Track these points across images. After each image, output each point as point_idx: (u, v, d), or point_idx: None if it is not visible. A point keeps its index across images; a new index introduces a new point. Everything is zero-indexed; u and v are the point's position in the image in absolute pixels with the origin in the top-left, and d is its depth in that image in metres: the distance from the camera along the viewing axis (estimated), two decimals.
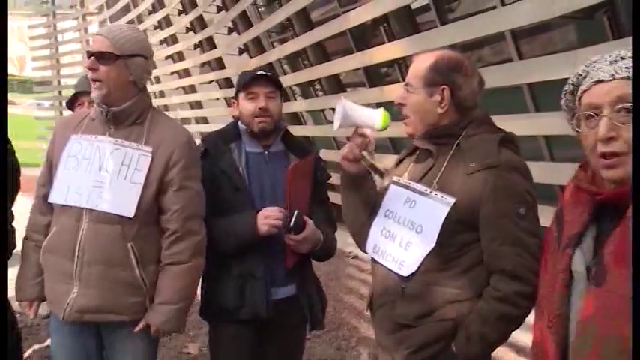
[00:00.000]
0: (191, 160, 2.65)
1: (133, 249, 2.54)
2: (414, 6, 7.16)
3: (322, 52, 9.23)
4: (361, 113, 2.32)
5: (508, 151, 2.17)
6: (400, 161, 2.47)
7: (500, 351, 3.52)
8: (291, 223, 2.69)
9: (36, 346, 4.19)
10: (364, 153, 2.35)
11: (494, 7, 5.67)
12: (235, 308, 2.77)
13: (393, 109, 2.40)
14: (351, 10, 8.16)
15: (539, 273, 1.78)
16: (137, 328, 2.60)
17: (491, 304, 2.11)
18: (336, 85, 9.11)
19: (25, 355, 3.81)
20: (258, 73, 2.86)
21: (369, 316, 2.52)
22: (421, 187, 2.23)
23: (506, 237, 2.09)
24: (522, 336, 2.33)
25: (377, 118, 2.29)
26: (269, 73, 2.90)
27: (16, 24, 53.32)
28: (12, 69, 51.35)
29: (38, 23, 23.79)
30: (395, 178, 2.38)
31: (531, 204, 2.13)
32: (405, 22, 7.20)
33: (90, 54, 2.54)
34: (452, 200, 2.13)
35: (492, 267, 2.13)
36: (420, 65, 2.27)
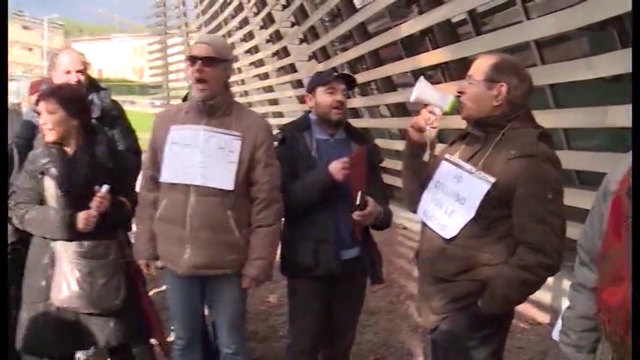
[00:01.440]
0: (271, 142, 2.72)
1: (232, 216, 2.58)
2: (454, 20, 7.04)
3: (377, 57, 9.14)
4: (435, 94, 2.30)
5: (544, 145, 2.13)
6: (453, 142, 2.43)
7: (522, 307, 3.43)
8: (357, 202, 2.66)
9: (155, 290, 4.32)
10: (427, 127, 2.30)
11: (520, 21, 5.54)
12: (311, 266, 2.77)
13: None
14: (401, 23, 8.09)
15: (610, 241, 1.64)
16: (244, 284, 2.69)
17: (515, 271, 2.09)
18: (389, 85, 8.99)
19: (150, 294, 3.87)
20: (341, 72, 2.88)
21: (416, 277, 2.53)
22: (468, 166, 2.20)
23: (534, 216, 2.06)
24: (541, 295, 2.27)
25: (447, 101, 2.26)
26: (349, 74, 2.91)
27: (138, 43, 54.91)
28: (133, 76, 52.92)
29: (154, 41, 24.45)
30: (447, 156, 2.34)
31: (559, 191, 2.11)
32: (446, 33, 7.07)
33: (197, 58, 2.54)
34: (492, 180, 2.10)
35: (519, 240, 2.10)
36: (484, 63, 2.23)
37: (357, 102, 10.04)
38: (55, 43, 61.29)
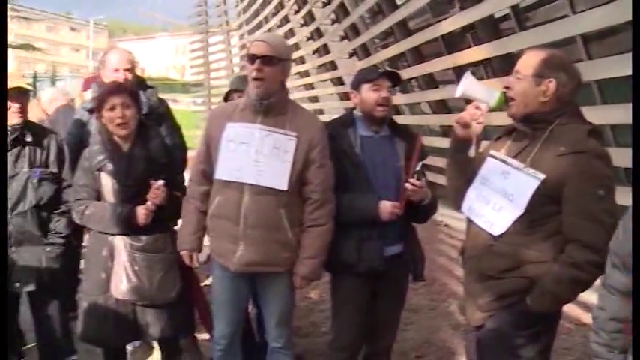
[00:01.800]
0: (326, 142, 2.72)
1: (284, 214, 2.62)
2: (496, 15, 6.94)
3: (418, 54, 9.08)
4: (481, 89, 2.28)
5: (595, 141, 2.11)
6: (498, 138, 2.40)
7: (567, 307, 3.38)
8: (417, 169, 2.67)
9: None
10: (473, 123, 2.29)
11: (565, 15, 5.43)
12: (354, 263, 2.78)
13: None
14: (442, 19, 8.02)
15: None
16: (297, 283, 2.75)
17: (565, 269, 2.06)
18: (430, 81, 8.94)
19: None
20: (386, 69, 2.88)
21: (457, 275, 2.51)
22: (516, 163, 2.18)
23: (585, 213, 2.03)
24: (588, 296, 2.24)
25: (494, 96, 2.24)
26: (394, 71, 2.91)
27: (180, 41, 55.72)
28: (175, 75, 53.69)
29: (196, 40, 24.74)
30: (492, 153, 2.33)
31: (610, 188, 2.08)
32: (489, 29, 6.98)
33: (255, 57, 2.56)
34: (542, 176, 2.08)
35: (569, 237, 2.07)
36: (533, 58, 2.20)
37: (397, 99, 9.99)
38: (100, 44, 62.71)
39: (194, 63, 25.14)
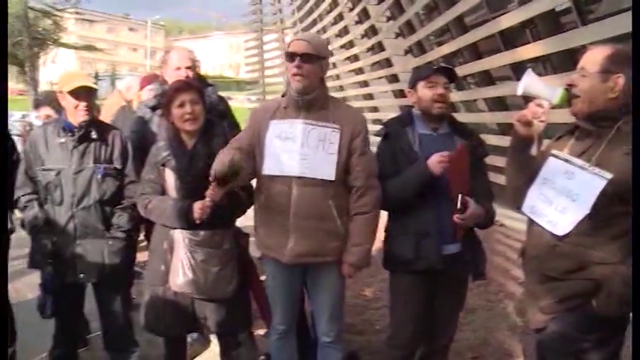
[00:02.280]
0: (367, 132, 2.78)
1: (333, 204, 2.66)
2: (557, 9, 6.74)
3: (475, 51, 8.93)
4: (543, 86, 2.22)
5: None
6: (560, 137, 2.34)
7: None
8: (458, 206, 2.64)
9: None
10: (535, 121, 2.24)
11: (630, 8, 5.22)
12: (412, 260, 2.78)
13: None
14: (500, 15, 7.86)
15: None
16: (346, 272, 2.78)
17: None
18: (487, 78, 8.78)
19: None
20: (441, 65, 2.86)
21: (515, 275, 2.46)
22: (580, 162, 2.12)
23: None
24: None
25: (556, 94, 2.18)
26: (449, 67, 2.88)
27: (234, 40, 56.59)
28: (230, 73, 54.53)
29: (250, 38, 25.06)
30: (554, 152, 2.27)
31: None
32: (549, 24, 6.79)
33: (295, 55, 2.63)
34: (609, 175, 2.02)
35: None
36: (598, 54, 2.14)
37: (453, 96, 9.85)
38: (157, 43, 64.35)
39: (249, 61, 25.48)
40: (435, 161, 2.67)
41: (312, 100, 2.68)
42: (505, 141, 7.30)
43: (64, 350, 3.31)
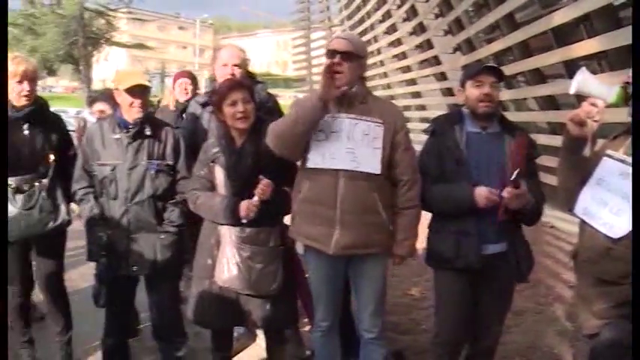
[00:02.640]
0: (407, 127, 2.86)
1: (378, 198, 2.71)
2: (615, 2, 6.51)
3: (525, 48, 8.75)
4: (598, 84, 2.17)
5: None
6: (615, 137, 2.29)
7: None
8: (512, 177, 2.60)
9: None
10: (588, 121, 2.19)
11: None
12: (451, 258, 2.79)
13: None
14: (552, 11, 7.67)
15: None
16: (393, 263, 2.88)
17: None
18: (538, 77, 8.58)
19: None
20: (488, 64, 2.85)
21: (565, 279, 2.40)
22: None
23: None
24: None
25: (612, 92, 2.12)
26: (495, 66, 2.86)
27: (281, 38, 57.02)
28: (277, 70, 54.97)
29: (298, 36, 25.21)
30: (609, 152, 2.22)
31: None
32: (606, 19, 6.57)
33: (335, 52, 2.70)
34: None
35: None
36: None
37: (503, 95, 9.69)
38: (206, 41, 65.35)
39: (296, 59, 25.62)
40: (483, 196, 2.67)
41: (352, 96, 2.74)
42: (556, 141, 7.16)
43: (115, 339, 3.40)
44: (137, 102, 3.14)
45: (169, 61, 57.30)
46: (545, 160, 6.21)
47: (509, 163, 2.67)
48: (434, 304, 3.13)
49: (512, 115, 9.48)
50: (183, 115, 4.17)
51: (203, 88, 4.59)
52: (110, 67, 40.93)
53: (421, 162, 2.90)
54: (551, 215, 6.81)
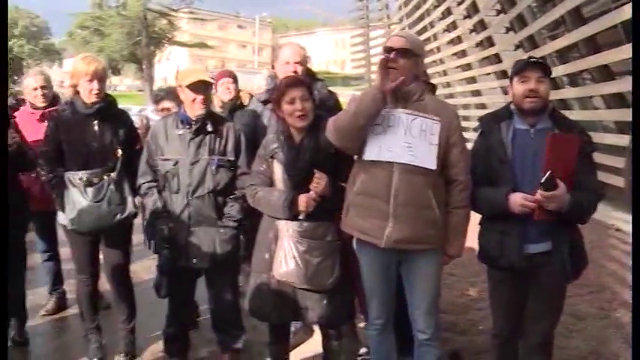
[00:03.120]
0: (462, 128, 2.86)
1: (432, 194, 2.72)
2: None
3: (593, 44, 8.45)
4: None
5: None
6: None
7: None
8: (542, 180, 2.57)
9: None
10: None
11: None
12: (495, 257, 2.83)
13: None
14: (621, 4, 7.38)
15: None
16: (444, 262, 2.90)
17: None
18: (605, 73, 8.29)
19: None
20: (531, 60, 2.81)
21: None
22: None
23: None
24: None
25: None
26: (540, 60, 2.83)
27: (339, 36, 57.14)
28: (335, 69, 55.08)
29: (356, 34, 25.24)
30: None
31: None
32: None
33: (392, 49, 2.74)
34: None
35: None
36: None
37: (566, 92, 9.45)
38: (264, 40, 66.09)
39: (355, 57, 25.60)
40: (518, 203, 2.67)
41: (409, 92, 2.76)
42: (624, 140, 6.91)
43: (176, 329, 3.51)
44: (199, 98, 3.24)
45: (229, 59, 58.26)
46: (611, 161, 6.04)
47: (542, 163, 2.63)
48: None
49: (576, 114, 9.22)
50: (233, 114, 4.24)
51: (264, 85, 4.66)
52: (171, 66, 42.03)
53: (471, 161, 2.90)
54: (617, 218, 6.59)
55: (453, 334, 4.04)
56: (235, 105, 4.35)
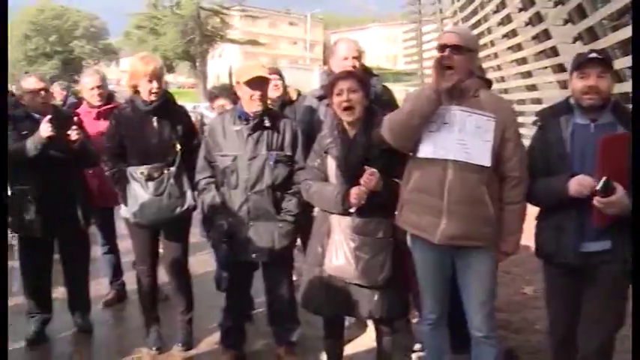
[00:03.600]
0: (517, 123, 2.88)
1: (486, 191, 2.71)
2: None
3: None
4: None
5: None
6: None
7: None
8: (598, 187, 2.52)
9: None
10: None
11: None
12: (552, 253, 2.80)
13: None
14: None
15: None
16: (499, 260, 2.87)
17: None
18: None
19: None
20: (591, 56, 2.74)
21: None
22: None
23: None
24: None
25: None
26: (600, 56, 2.74)
27: (391, 31, 56.77)
28: (387, 64, 54.73)
29: (408, 29, 25.04)
30: None
31: None
32: None
33: (446, 46, 2.74)
34: None
35: None
36: None
37: (629, 86, 9.12)
38: (316, 36, 66.25)
39: (407, 52, 25.35)
40: (576, 189, 2.63)
41: (464, 89, 2.76)
42: None
43: (232, 323, 3.60)
44: (257, 94, 3.30)
45: (280, 56, 58.70)
46: None
47: (604, 167, 2.56)
48: None
49: None
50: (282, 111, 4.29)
51: (317, 82, 4.70)
52: (224, 64, 42.65)
53: (529, 156, 2.87)
54: None
55: (508, 332, 4.00)
56: (284, 101, 4.41)
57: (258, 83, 3.30)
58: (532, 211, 2.89)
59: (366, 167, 2.88)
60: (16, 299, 4.42)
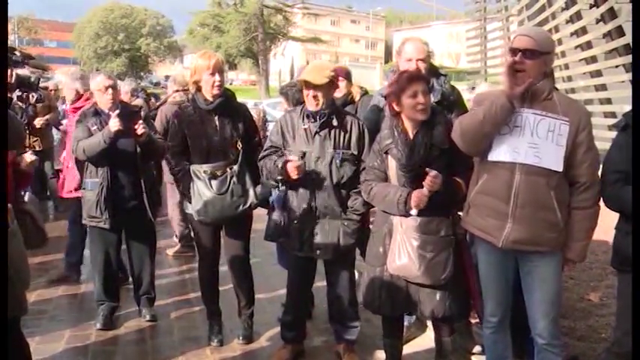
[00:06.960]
0: (591, 126, 2.76)
1: (554, 196, 2.68)
2: None
3: None
4: None
5: None
6: None
7: None
8: None
9: None
10: None
11: None
12: (628, 259, 2.67)
13: None
14: None
15: None
16: (564, 266, 2.81)
17: None
18: None
19: None
20: None
21: None
22: None
23: None
24: None
25: None
26: None
27: (454, 29, 55.94)
28: (449, 63, 53.99)
29: (472, 27, 24.62)
30: None
31: None
32: None
33: (518, 50, 2.68)
34: None
35: None
36: None
37: None
38: (378, 34, 66.03)
39: (470, 51, 24.93)
40: None
41: (537, 92, 2.70)
42: None
43: (293, 318, 3.66)
44: (310, 93, 3.34)
45: (342, 54, 58.81)
46: None
47: None
48: (615, 312, 2.96)
49: None
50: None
51: (379, 80, 4.71)
52: (286, 61, 43.10)
53: (608, 157, 2.79)
54: None
55: (572, 339, 3.91)
56: (346, 101, 4.43)
57: (309, 84, 3.34)
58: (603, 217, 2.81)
59: (427, 170, 2.88)
60: (85, 286, 4.67)
